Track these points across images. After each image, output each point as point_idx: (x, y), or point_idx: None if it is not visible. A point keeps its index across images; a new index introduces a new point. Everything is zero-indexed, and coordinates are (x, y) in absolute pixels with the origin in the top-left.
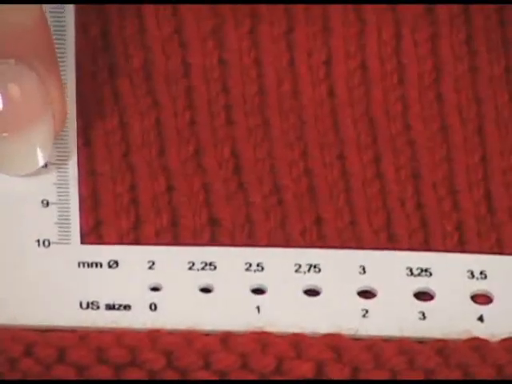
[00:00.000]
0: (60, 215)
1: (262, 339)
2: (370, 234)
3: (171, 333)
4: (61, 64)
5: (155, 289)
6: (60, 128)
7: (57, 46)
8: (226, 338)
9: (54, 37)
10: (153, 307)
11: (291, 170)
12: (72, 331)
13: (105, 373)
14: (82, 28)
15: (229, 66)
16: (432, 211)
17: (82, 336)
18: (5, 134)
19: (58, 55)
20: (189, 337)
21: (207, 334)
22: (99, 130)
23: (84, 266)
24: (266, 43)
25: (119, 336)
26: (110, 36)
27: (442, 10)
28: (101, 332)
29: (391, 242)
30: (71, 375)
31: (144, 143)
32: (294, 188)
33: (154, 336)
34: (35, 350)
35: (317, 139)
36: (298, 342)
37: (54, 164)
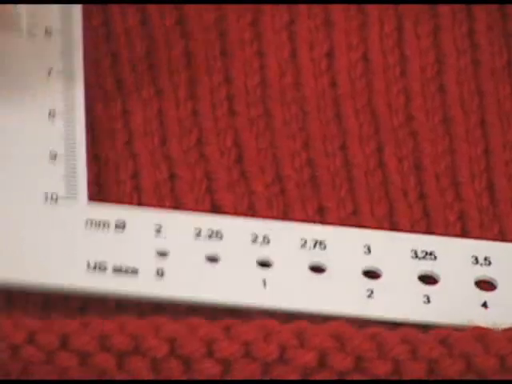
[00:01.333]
0: (67, 170)
1: (266, 328)
2: (372, 224)
3: (174, 320)
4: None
5: (162, 254)
6: None
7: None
8: (229, 326)
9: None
10: (160, 273)
11: (293, 159)
12: (74, 317)
13: (107, 360)
14: (86, 17)
15: (231, 56)
16: (434, 202)
17: (85, 323)
18: None
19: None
20: (192, 324)
21: (210, 320)
22: (102, 117)
23: (91, 224)
24: (268, 35)
25: (122, 323)
26: (113, 26)
27: (443, 3)
28: (104, 319)
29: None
30: (74, 362)
31: (146, 132)
32: (296, 178)
33: (157, 324)
34: (37, 337)
35: (319, 130)
36: (301, 331)
37: (61, 114)
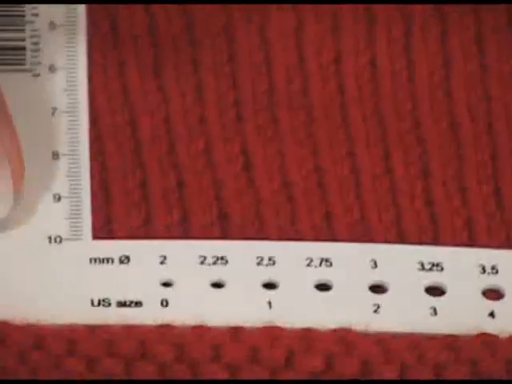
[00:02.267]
0: (72, 210)
1: (272, 332)
2: (379, 230)
3: (181, 326)
4: (72, 61)
5: (167, 284)
6: (20, 186)
7: (69, 41)
8: (236, 331)
9: (67, 34)
10: (164, 303)
11: (301, 166)
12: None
13: (115, 366)
14: (92, 24)
15: (238, 62)
16: (441, 208)
17: (92, 329)
18: None
19: (70, 51)
20: (199, 329)
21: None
22: (109, 125)
23: (95, 262)
24: (275, 40)
25: (129, 329)
26: (120, 33)
27: (451, 8)
28: (111, 325)
29: (401, 238)
30: (81, 368)
31: (154, 139)
32: (303, 184)
33: (164, 329)
34: (45, 343)
35: (326, 136)
36: (308, 336)
37: (65, 155)
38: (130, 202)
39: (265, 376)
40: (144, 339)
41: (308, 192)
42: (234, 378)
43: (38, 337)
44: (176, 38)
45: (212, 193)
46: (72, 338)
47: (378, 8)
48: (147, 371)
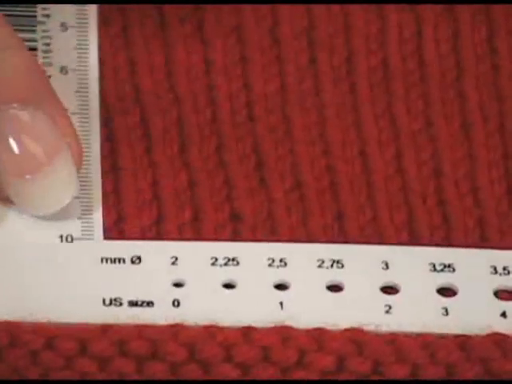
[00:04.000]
0: (83, 210)
1: (284, 332)
2: (391, 230)
3: (193, 326)
4: (84, 62)
5: (178, 285)
6: (79, 162)
7: (80, 44)
8: (247, 331)
9: (78, 35)
10: (176, 303)
11: (313, 166)
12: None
13: (126, 365)
14: (104, 25)
15: (250, 63)
16: (454, 208)
17: (104, 329)
18: (28, 177)
19: (82, 53)
20: (211, 329)
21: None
22: (121, 126)
23: (107, 261)
24: (286, 40)
25: (141, 329)
26: (131, 33)
27: (462, 8)
28: (123, 325)
29: (413, 239)
30: (93, 368)
31: (166, 139)
32: (315, 184)
33: (175, 329)
34: (56, 342)
35: (338, 136)
36: (319, 336)
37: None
38: (141, 202)
39: (276, 375)
40: (156, 339)
41: (320, 192)
42: (246, 378)
43: (49, 337)
44: (187, 39)
45: (224, 192)
46: (83, 337)
47: (390, 8)
48: (159, 371)
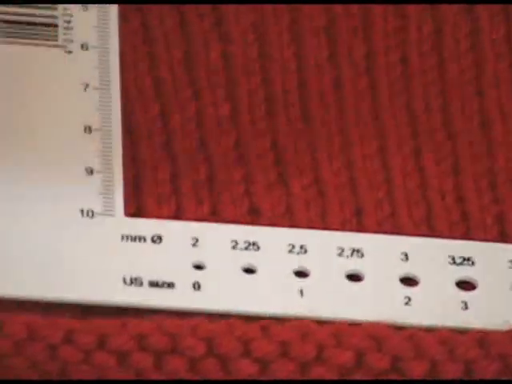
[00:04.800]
0: (104, 185)
1: (303, 327)
2: (410, 226)
3: (212, 320)
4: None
5: (198, 267)
6: None
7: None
8: (266, 326)
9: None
10: (196, 286)
11: (332, 162)
12: (111, 317)
13: (145, 360)
14: (124, 20)
15: (269, 58)
16: (472, 204)
17: (122, 323)
18: None
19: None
20: (229, 324)
21: (247, 320)
22: (141, 118)
23: (127, 239)
24: (306, 36)
25: (160, 323)
26: (150, 28)
27: (481, 6)
28: (141, 319)
29: (431, 235)
30: (111, 362)
31: (185, 133)
32: (334, 180)
33: (194, 323)
34: (75, 336)
35: (357, 132)
36: (338, 331)
37: (97, 130)
38: (160, 195)
39: (295, 371)
40: (174, 333)
41: (338, 187)
42: (264, 373)
43: (67, 331)
44: (206, 34)
45: (242, 187)
46: (102, 332)
47: (409, 6)
48: (177, 365)
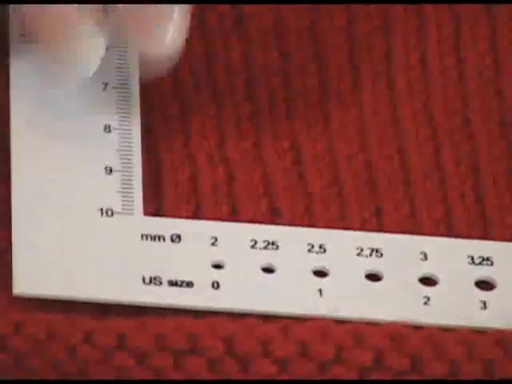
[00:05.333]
0: (123, 184)
1: (322, 327)
2: (429, 227)
3: (230, 320)
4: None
5: (217, 266)
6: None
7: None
8: (285, 326)
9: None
10: (215, 285)
11: (351, 162)
12: (131, 318)
13: (164, 360)
14: None
15: (289, 58)
16: (491, 205)
17: (142, 323)
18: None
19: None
20: (248, 324)
21: (267, 320)
22: (160, 118)
23: (147, 238)
24: (326, 37)
25: (179, 323)
26: None
27: (500, 7)
28: (160, 319)
29: (450, 235)
30: (131, 362)
31: (204, 133)
32: (353, 180)
33: (213, 323)
34: (94, 336)
35: (376, 132)
36: (357, 331)
37: (117, 129)
38: (179, 195)
39: (314, 371)
40: (193, 333)
41: (358, 188)
42: (283, 373)
43: (87, 331)
44: (226, 35)
45: (261, 187)
46: (121, 332)
47: (429, 7)
48: (196, 366)
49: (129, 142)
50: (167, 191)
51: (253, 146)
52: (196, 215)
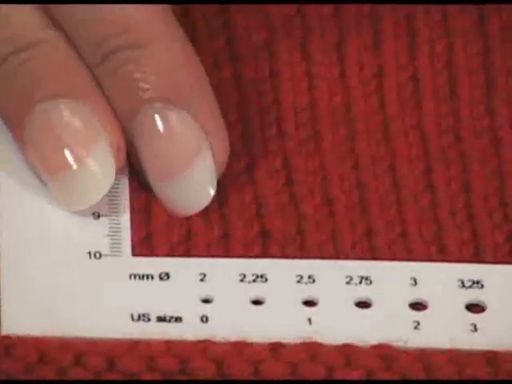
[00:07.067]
0: (111, 227)
1: (312, 348)
2: (420, 246)
3: (221, 342)
4: None
5: (206, 301)
6: (223, 157)
7: None
8: (275, 347)
9: None
10: (204, 319)
11: (342, 181)
12: (121, 339)
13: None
14: None
15: (280, 77)
16: (483, 223)
17: (132, 345)
18: (167, 181)
19: None
20: (238, 346)
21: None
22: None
23: (135, 278)
24: (316, 55)
25: (169, 345)
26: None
27: (493, 24)
28: (150, 341)
29: (442, 254)
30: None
31: None
32: (345, 200)
33: (204, 345)
34: (84, 359)
35: (368, 151)
36: (347, 352)
37: None
38: (170, 218)
39: None
40: (184, 355)
41: (349, 207)
42: None
43: (77, 353)
44: (217, 54)
45: (253, 209)
46: (111, 354)
47: (420, 23)
48: None
49: (116, 186)
50: (158, 215)
51: (244, 167)
52: (187, 238)
